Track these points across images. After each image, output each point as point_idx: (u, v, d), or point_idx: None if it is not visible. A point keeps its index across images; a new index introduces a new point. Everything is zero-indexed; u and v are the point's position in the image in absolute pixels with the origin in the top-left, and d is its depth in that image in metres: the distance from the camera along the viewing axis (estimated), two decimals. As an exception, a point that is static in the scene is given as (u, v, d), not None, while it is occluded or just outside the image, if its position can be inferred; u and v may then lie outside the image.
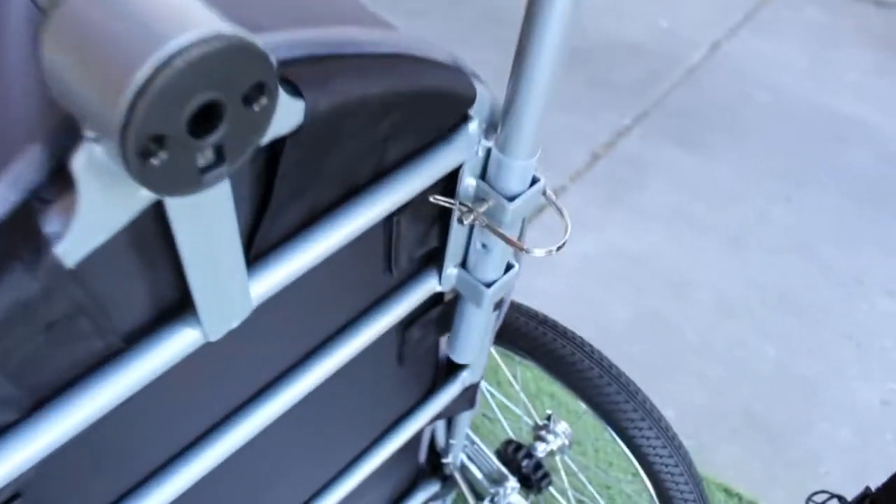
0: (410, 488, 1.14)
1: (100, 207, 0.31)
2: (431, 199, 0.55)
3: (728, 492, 1.37)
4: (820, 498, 1.04)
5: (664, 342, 1.67)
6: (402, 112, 0.45)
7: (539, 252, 0.55)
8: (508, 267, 0.64)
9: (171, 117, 0.27)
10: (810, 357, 1.67)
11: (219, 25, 0.26)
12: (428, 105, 0.47)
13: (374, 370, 0.72)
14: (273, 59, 0.29)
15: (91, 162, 0.29)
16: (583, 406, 0.93)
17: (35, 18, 0.37)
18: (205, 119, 0.29)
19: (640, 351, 1.65)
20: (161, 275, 0.40)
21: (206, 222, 0.37)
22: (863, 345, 1.70)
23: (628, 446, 0.88)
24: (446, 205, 0.56)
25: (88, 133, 0.28)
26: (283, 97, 0.36)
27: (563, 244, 0.55)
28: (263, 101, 0.30)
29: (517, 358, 0.97)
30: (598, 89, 2.35)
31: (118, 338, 0.40)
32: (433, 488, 1.15)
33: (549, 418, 1.08)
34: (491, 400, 1.29)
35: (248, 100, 0.30)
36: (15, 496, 0.42)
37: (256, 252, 0.46)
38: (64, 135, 0.31)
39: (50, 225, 0.31)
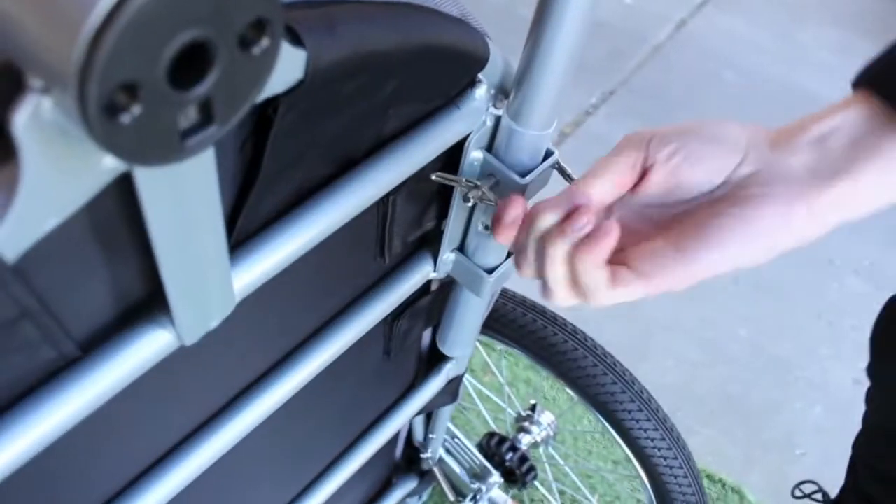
0: (386, 485, 1.08)
1: (50, 182, 0.24)
2: (433, 176, 0.48)
3: (710, 478, 1.35)
4: (807, 489, 1.01)
5: (635, 323, 1.64)
6: (409, 72, 0.38)
7: (553, 234, 0.49)
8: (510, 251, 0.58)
9: (146, 59, 0.20)
10: (782, 337, 1.65)
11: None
12: (437, 65, 0.40)
13: (359, 365, 0.65)
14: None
15: (38, 121, 0.22)
16: (566, 394, 0.88)
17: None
18: (189, 65, 0.22)
19: (611, 332, 1.61)
20: (126, 268, 0.33)
21: (185, 201, 0.29)
22: (834, 324, 1.69)
23: (623, 438, 0.84)
24: (449, 182, 0.49)
25: (34, 82, 0.21)
26: (283, 46, 0.29)
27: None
28: (265, 42, 0.23)
29: (501, 346, 0.92)
30: (564, 67, 2.29)
31: (74, 345, 0.33)
32: (410, 484, 1.09)
33: (532, 408, 1.03)
34: (469, 387, 1.24)
35: (245, 41, 0.23)
36: None
37: (238, 238, 0.39)
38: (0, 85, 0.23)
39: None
